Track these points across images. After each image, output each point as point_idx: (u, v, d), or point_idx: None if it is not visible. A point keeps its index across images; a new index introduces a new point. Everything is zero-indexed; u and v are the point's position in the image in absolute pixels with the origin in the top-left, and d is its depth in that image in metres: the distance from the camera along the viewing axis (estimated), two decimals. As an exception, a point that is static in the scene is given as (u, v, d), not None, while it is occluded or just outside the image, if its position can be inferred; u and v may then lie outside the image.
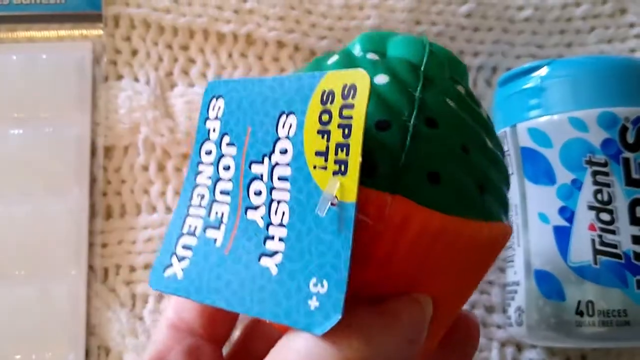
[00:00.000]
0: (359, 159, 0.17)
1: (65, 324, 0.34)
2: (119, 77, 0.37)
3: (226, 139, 0.21)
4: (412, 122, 0.19)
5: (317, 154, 0.18)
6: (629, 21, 0.38)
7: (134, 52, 0.38)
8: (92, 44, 0.37)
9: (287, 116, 0.19)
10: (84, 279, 0.34)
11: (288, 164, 0.19)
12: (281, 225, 0.19)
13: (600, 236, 0.28)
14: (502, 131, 0.32)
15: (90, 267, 0.35)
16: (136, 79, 0.37)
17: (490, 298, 0.34)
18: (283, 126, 0.19)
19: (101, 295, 0.34)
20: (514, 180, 0.31)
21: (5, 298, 0.34)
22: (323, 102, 0.18)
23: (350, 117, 0.18)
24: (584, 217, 0.29)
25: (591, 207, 0.29)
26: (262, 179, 0.20)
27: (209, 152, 0.21)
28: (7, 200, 0.35)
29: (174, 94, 0.37)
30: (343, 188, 0.17)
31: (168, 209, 0.36)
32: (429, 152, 0.19)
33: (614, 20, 0.38)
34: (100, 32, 0.37)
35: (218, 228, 0.20)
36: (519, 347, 0.34)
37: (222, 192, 0.21)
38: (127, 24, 0.38)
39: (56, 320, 0.34)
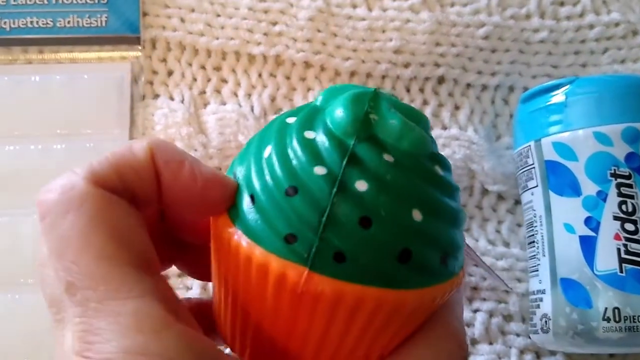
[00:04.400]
0: None
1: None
2: (156, 96, 0.38)
3: None
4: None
5: None
6: (641, 42, 0.38)
7: (170, 73, 0.38)
8: (131, 64, 0.37)
9: None
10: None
11: None
12: None
13: (625, 245, 0.28)
14: (525, 145, 0.32)
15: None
16: (171, 98, 0.37)
17: (508, 307, 0.34)
18: None
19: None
20: (538, 192, 0.31)
21: (37, 304, 0.34)
22: None
23: None
24: (610, 227, 0.28)
25: (616, 218, 0.28)
26: None
27: None
28: (51, 211, 0.35)
29: (206, 111, 0.37)
30: None
31: (202, 220, 0.36)
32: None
33: (626, 41, 0.38)
34: (139, 53, 0.38)
35: None
36: (538, 354, 0.34)
37: None
38: (164, 46, 0.38)
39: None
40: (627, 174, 0.29)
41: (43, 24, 0.37)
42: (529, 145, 0.32)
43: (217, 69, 0.38)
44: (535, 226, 0.31)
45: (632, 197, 0.28)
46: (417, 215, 0.18)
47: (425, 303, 0.19)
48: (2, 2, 0.37)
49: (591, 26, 0.38)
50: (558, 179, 0.30)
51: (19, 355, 0.33)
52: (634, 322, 0.27)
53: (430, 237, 0.18)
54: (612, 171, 0.29)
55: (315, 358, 0.20)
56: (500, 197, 0.36)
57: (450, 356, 0.19)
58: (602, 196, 0.29)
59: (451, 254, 0.19)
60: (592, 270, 0.29)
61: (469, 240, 0.35)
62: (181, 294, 0.34)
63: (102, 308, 0.17)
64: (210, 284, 0.26)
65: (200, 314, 0.22)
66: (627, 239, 0.28)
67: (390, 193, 0.18)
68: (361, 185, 0.18)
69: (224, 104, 0.37)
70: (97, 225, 0.17)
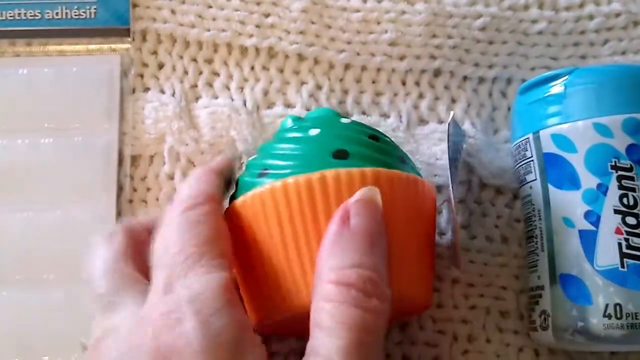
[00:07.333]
0: None
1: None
2: (146, 89, 0.37)
3: None
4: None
5: None
6: (642, 33, 0.37)
7: (160, 65, 0.37)
8: (121, 57, 0.37)
9: None
10: (110, 283, 0.34)
11: None
12: None
13: (627, 239, 0.27)
14: (524, 138, 0.31)
15: (117, 273, 0.34)
16: (162, 91, 0.37)
17: (505, 304, 0.34)
18: None
19: (127, 299, 0.34)
20: (536, 186, 0.30)
21: (35, 301, 0.33)
22: None
23: None
24: (610, 221, 0.28)
25: (617, 211, 0.28)
26: None
27: None
28: (38, 206, 0.35)
29: (198, 105, 0.37)
30: None
31: (193, 216, 0.35)
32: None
33: (627, 32, 0.37)
34: (128, 46, 0.37)
35: None
36: (537, 353, 0.33)
37: None
38: (154, 38, 0.37)
39: (83, 323, 0.33)
40: (628, 166, 0.28)
41: (31, 15, 0.37)
42: (527, 138, 0.31)
43: (209, 61, 0.37)
44: (534, 220, 0.31)
45: (633, 189, 0.28)
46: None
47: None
48: (-11, -7, 0.37)
49: (591, 17, 0.37)
50: (557, 171, 0.29)
51: (6, 353, 0.33)
52: (636, 318, 0.27)
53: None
54: (613, 163, 0.28)
55: None
56: (499, 191, 0.35)
57: None
58: (603, 189, 0.28)
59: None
60: (593, 266, 0.28)
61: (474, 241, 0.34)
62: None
63: None
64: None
65: None
66: (629, 233, 0.27)
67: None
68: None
69: (215, 97, 0.37)
70: None
